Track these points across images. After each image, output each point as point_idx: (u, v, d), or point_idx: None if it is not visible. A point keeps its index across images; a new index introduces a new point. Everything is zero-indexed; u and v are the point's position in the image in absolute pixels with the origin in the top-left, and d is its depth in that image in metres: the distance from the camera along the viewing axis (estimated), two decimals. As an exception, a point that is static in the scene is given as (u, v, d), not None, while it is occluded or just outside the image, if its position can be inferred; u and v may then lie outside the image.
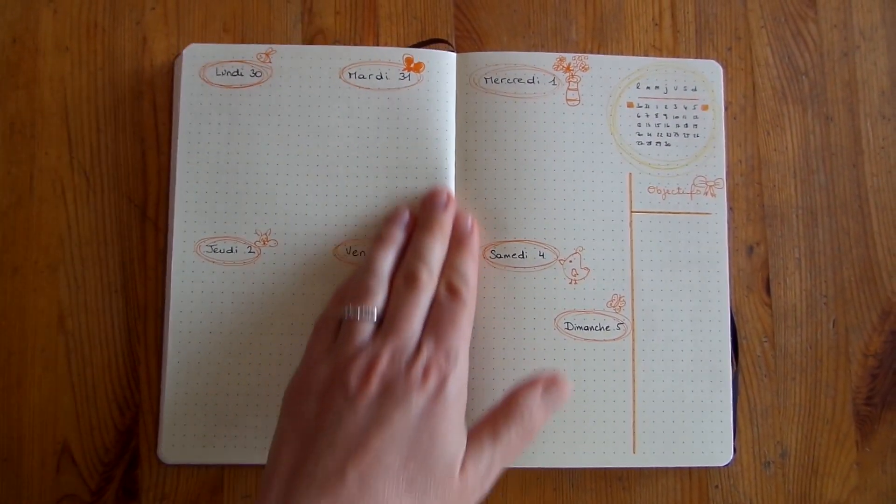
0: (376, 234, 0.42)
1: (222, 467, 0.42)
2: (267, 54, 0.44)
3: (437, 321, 0.38)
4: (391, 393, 0.35)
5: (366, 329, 0.38)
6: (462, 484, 0.35)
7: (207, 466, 0.42)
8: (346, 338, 0.38)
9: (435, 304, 0.39)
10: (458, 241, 0.41)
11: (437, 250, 0.40)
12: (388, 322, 0.38)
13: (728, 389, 0.43)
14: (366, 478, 0.33)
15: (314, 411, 0.36)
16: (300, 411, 0.36)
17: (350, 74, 0.44)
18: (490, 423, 0.37)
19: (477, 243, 0.42)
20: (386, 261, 0.40)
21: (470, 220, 0.42)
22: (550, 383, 0.38)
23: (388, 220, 0.42)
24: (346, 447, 0.34)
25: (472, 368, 0.42)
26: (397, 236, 0.41)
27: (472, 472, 0.35)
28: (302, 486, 0.33)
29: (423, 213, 0.42)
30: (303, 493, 0.33)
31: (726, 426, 0.43)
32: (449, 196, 0.42)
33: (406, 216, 0.42)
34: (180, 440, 0.41)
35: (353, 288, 0.40)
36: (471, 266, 0.41)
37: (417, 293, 0.38)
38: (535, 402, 0.37)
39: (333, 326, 0.39)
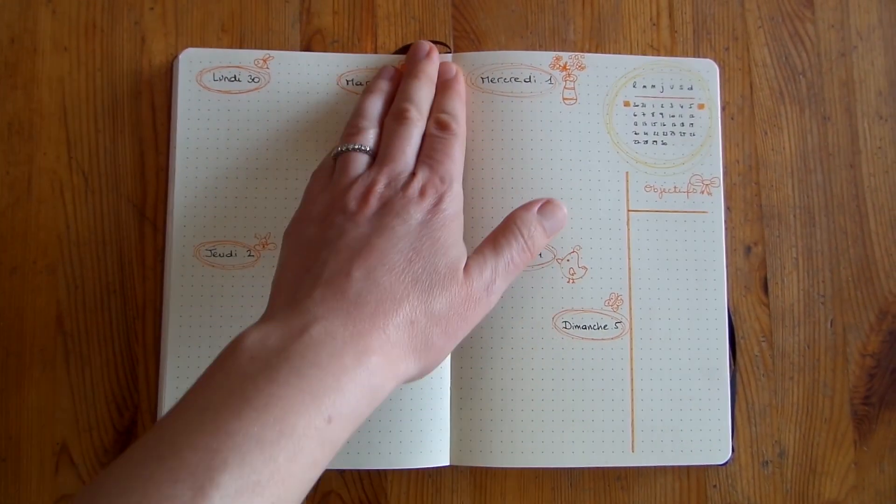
0: (364, 88, 0.43)
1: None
2: (265, 60, 0.44)
3: (429, 152, 0.39)
4: (390, 208, 0.36)
5: (360, 159, 0.39)
6: (467, 287, 0.35)
7: (205, 466, 0.42)
8: (342, 170, 0.38)
9: (426, 137, 0.40)
10: (443, 86, 0.43)
11: (423, 92, 0.41)
12: (381, 154, 0.39)
13: (726, 388, 0.43)
14: (371, 273, 0.34)
15: (315, 233, 0.36)
16: (301, 237, 0.37)
17: (347, 81, 0.44)
18: (490, 240, 0.38)
19: (463, 86, 0.43)
20: (374, 106, 0.41)
21: (454, 68, 0.43)
22: (545, 203, 0.40)
23: (375, 75, 0.44)
24: (349, 251, 0.35)
25: (469, 369, 0.42)
26: (383, 86, 0.43)
27: (477, 276, 0.36)
28: (307, 286, 0.34)
29: (407, 64, 0.43)
30: (308, 292, 0.33)
31: (724, 425, 0.43)
32: (431, 47, 0.43)
33: (392, 70, 0.44)
34: (178, 440, 0.41)
35: (345, 132, 0.41)
36: (458, 105, 0.42)
37: (408, 127, 0.39)
38: (531, 220, 0.39)
39: (329, 169, 0.39)
